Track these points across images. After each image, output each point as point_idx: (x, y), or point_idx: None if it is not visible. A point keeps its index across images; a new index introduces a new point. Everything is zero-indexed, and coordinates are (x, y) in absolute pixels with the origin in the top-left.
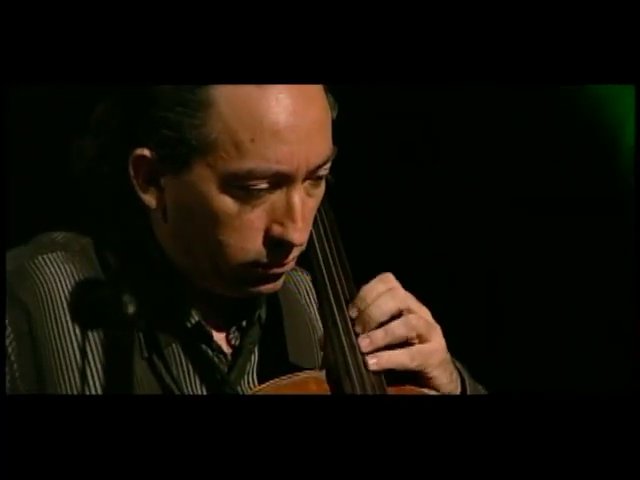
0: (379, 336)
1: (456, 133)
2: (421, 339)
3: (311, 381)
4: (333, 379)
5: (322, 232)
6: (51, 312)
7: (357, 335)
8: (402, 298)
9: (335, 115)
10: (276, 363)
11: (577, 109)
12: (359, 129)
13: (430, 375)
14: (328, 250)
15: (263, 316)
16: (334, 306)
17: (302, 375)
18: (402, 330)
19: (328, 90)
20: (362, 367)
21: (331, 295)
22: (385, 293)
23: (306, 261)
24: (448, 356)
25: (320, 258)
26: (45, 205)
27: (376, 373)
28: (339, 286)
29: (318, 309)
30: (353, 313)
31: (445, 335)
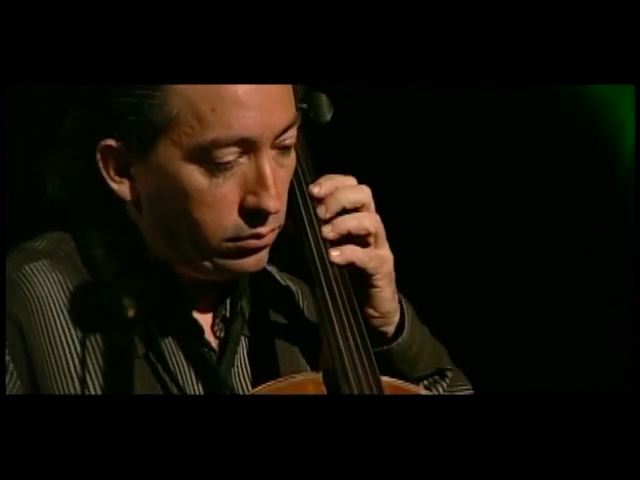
0: (342, 223)
1: (456, 135)
2: (377, 243)
3: (308, 383)
4: (330, 381)
5: (322, 242)
6: (42, 320)
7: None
8: (368, 195)
9: (330, 117)
10: (265, 355)
11: (578, 113)
12: (356, 131)
13: (378, 284)
14: (326, 253)
15: (246, 309)
16: (330, 306)
17: (299, 377)
18: (367, 223)
19: (322, 91)
20: (359, 368)
21: (328, 296)
22: (354, 186)
23: (305, 267)
24: (394, 274)
25: (317, 261)
26: (44, 205)
27: (372, 368)
28: (336, 289)
29: (316, 314)
30: (316, 190)
31: (445, 335)
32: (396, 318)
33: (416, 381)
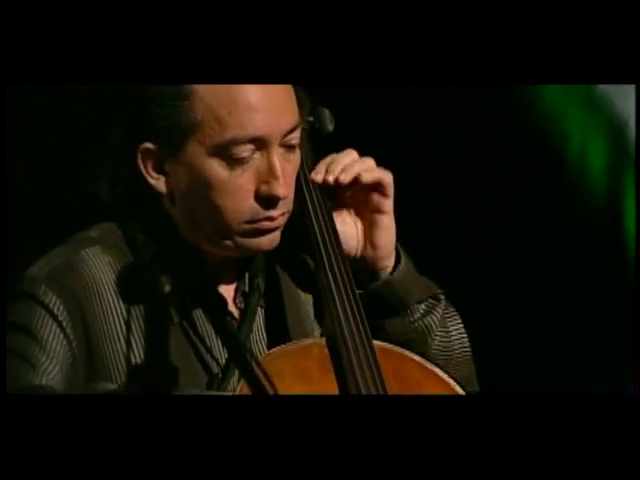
0: (352, 167)
1: (441, 135)
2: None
3: (314, 346)
4: (332, 345)
5: (324, 230)
6: (96, 295)
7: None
8: (355, 156)
9: (332, 128)
10: (278, 323)
11: (529, 122)
12: (357, 130)
13: (387, 208)
14: (330, 246)
15: (262, 285)
16: (332, 285)
17: (307, 341)
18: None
19: (322, 104)
20: (356, 335)
21: (330, 276)
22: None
23: (311, 251)
24: None
25: (321, 246)
26: (44, 205)
27: (366, 334)
28: (337, 270)
29: (320, 290)
30: (318, 177)
31: None
32: (394, 250)
33: (417, 304)
